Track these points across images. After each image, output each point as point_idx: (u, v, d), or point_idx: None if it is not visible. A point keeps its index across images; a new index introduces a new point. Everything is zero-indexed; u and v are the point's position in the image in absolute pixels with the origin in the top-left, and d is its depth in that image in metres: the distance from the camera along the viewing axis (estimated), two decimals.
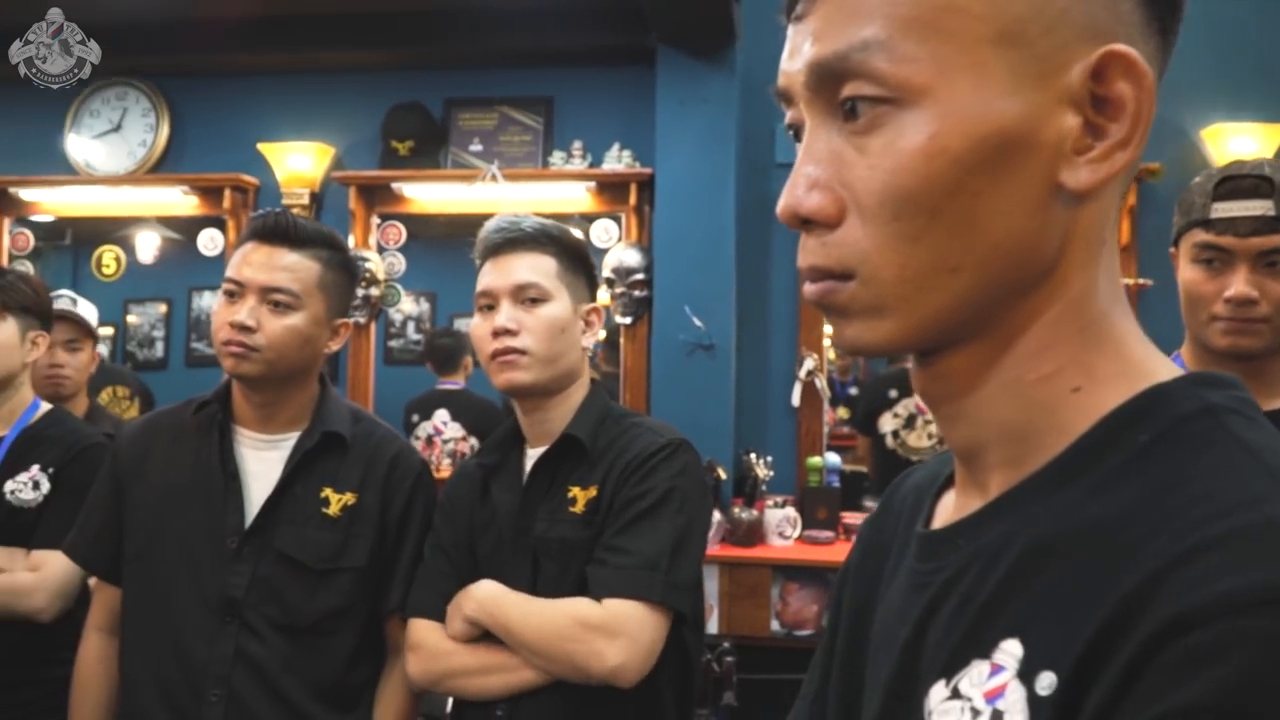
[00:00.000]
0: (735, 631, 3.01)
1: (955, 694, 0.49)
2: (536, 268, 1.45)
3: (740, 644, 3.01)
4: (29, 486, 1.86)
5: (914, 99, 0.49)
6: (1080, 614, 0.43)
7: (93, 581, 1.70)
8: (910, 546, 0.60)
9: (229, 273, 1.52)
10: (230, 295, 1.50)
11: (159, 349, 4.20)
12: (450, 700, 2.19)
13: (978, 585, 0.50)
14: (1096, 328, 0.52)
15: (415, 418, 3.74)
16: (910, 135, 0.49)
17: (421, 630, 1.45)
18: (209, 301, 4.14)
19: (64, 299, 2.53)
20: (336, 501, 1.53)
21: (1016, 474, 0.52)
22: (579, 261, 1.50)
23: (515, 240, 1.46)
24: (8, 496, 1.85)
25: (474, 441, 3.71)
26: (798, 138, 0.54)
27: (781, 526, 3.22)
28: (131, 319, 4.18)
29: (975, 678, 0.48)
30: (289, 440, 1.55)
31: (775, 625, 3.02)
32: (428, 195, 3.80)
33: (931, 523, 0.61)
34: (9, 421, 1.92)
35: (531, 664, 1.34)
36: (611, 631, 1.29)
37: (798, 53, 0.53)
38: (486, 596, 1.39)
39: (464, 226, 3.83)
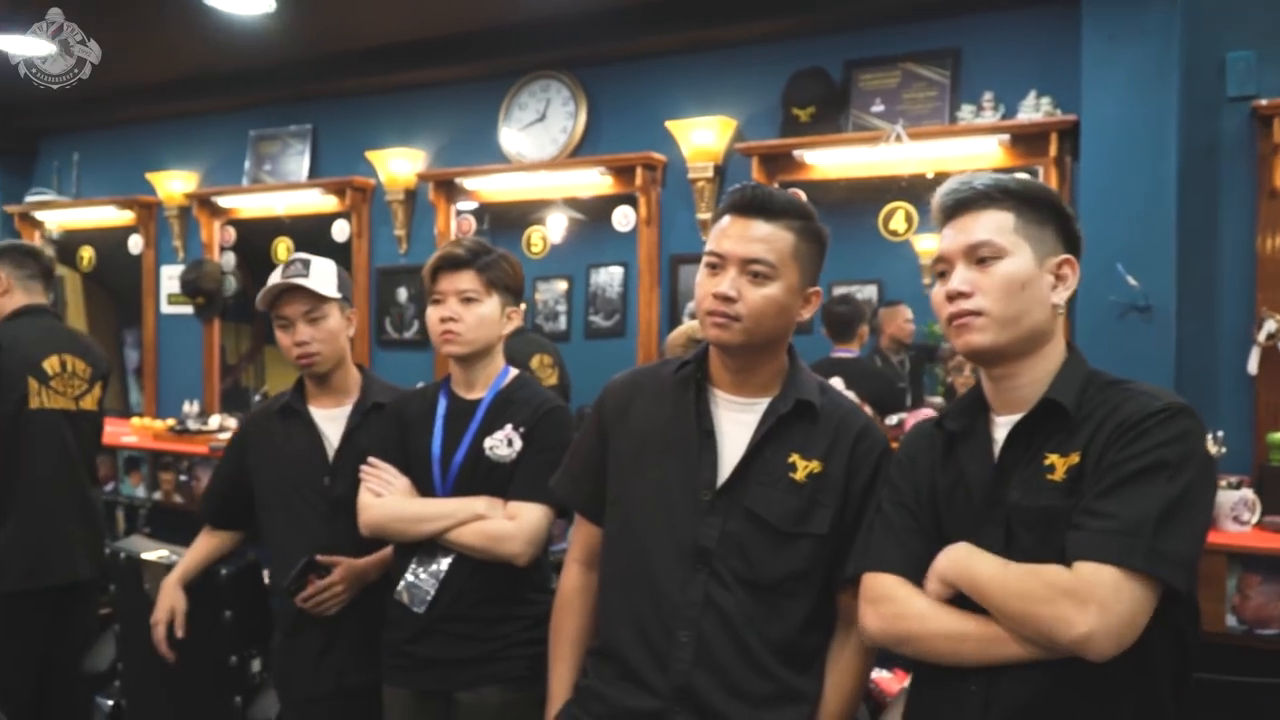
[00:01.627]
0: None
1: None
2: (989, 225, 1.36)
3: None
4: (504, 443, 2.06)
5: None
6: None
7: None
8: None
9: (709, 246, 1.57)
10: (712, 267, 1.56)
11: (561, 322, 4.52)
12: None
13: None
14: None
15: None
16: None
17: (885, 584, 1.39)
18: (604, 278, 4.40)
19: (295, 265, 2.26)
20: (803, 468, 1.55)
21: None
22: (1045, 211, 1.39)
23: (965, 200, 1.39)
24: (487, 452, 2.06)
25: (869, 410, 3.64)
26: None
27: (1237, 510, 2.84)
28: (538, 295, 4.53)
29: None
30: (760, 404, 1.59)
31: (1231, 621, 2.68)
32: (828, 160, 3.76)
33: None
34: (486, 385, 2.14)
35: (1005, 628, 1.26)
36: (1081, 597, 1.19)
37: None
38: (960, 554, 1.33)
39: (860, 191, 3.77)
